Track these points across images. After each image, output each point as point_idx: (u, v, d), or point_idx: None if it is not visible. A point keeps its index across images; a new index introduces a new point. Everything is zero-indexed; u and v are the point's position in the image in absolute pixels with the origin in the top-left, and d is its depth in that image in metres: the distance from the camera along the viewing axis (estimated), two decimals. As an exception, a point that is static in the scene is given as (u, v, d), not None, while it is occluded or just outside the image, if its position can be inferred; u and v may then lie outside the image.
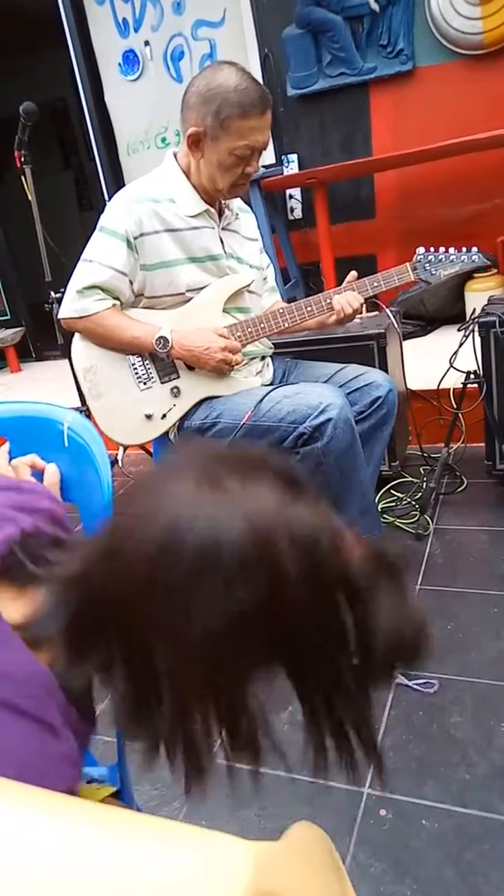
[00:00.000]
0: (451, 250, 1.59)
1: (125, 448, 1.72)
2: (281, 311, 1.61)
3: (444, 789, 1.13)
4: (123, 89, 3.85)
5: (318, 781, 1.19)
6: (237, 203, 1.72)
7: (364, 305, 1.62)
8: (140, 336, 1.56)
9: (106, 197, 4.02)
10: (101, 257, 1.53)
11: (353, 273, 1.62)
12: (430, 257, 1.59)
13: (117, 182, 4.02)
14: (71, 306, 1.57)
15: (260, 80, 1.50)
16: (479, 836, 1.04)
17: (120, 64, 3.80)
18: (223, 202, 1.65)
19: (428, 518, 1.97)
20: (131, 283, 1.56)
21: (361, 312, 1.62)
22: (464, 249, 1.59)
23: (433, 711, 1.30)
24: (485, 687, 1.34)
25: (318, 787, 1.19)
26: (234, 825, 1.16)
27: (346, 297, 1.58)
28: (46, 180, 3.10)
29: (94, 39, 3.81)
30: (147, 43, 3.70)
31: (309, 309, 1.61)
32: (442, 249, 1.59)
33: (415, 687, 1.36)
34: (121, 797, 0.80)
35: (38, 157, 2.53)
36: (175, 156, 1.61)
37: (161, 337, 1.54)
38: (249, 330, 1.61)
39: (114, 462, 1.93)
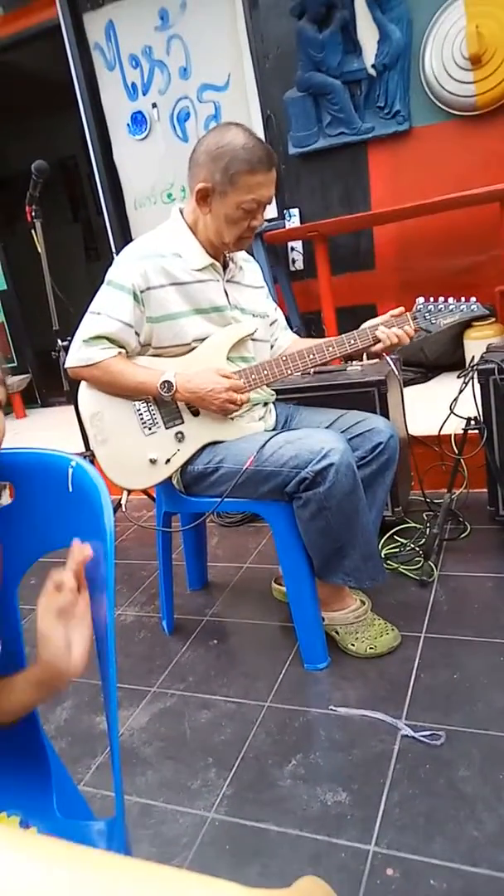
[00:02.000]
0: (451, 300, 1.63)
1: (129, 492, 1.72)
2: (284, 358, 1.64)
3: (453, 847, 1.10)
4: (131, 148, 4.01)
5: (322, 838, 1.15)
6: (241, 255, 1.77)
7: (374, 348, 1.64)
8: (145, 381, 1.58)
9: (113, 248, 4.13)
10: (108, 310, 1.57)
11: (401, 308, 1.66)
12: (429, 307, 1.63)
13: (124, 235, 4.14)
14: (77, 355, 1.60)
15: (262, 139, 1.57)
16: (490, 898, 1.00)
17: (128, 124, 3.97)
18: (227, 256, 1.70)
19: (432, 564, 1.95)
20: (137, 334, 1.60)
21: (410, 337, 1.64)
22: (462, 299, 1.63)
23: (440, 765, 1.27)
24: (493, 739, 1.31)
25: (322, 844, 1.15)
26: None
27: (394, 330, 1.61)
28: (56, 232, 3.21)
29: (104, 102, 4.00)
30: (154, 105, 3.87)
31: (331, 350, 1.63)
32: (441, 299, 1.63)
33: (421, 739, 1.33)
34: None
35: (49, 210, 2.62)
36: (181, 212, 1.67)
37: (165, 381, 1.57)
38: (254, 377, 1.63)
39: (117, 506, 1.94)
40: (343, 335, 1.64)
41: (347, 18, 3.26)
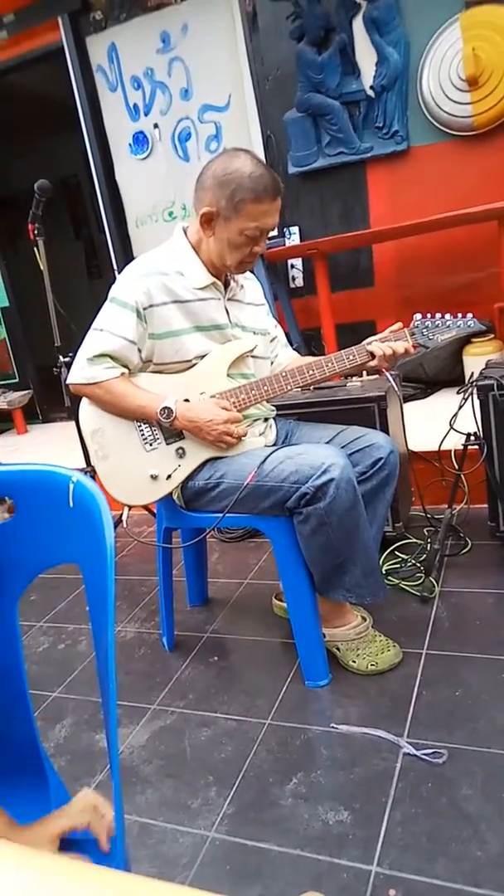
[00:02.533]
0: (447, 316, 1.64)
1: (129, 508, 1.72)
2: (284, 374, 1.65)
3: (456, 867, 1.08)
4: (133, 167, 4.06)
5: (324, 858, 1.14)
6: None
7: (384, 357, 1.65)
8: (145, 405, 1.59)
9: (115, 266, 4.17)
10: (111, 327, 1.59)
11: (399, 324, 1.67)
12: (426, 323, 1.64)
13: (126, 252, 4.18)
14: (80, 373, 1.61)
15: (262, 158, 1.59)
16: (493, 920, 0.99)
17: (130, 144, 4.02)
18: (229, 274, 1.71)
19: (433, 580, 1.95)
20: (140, 351, 1.61)
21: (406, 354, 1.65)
22: (459, 315, 1.64)
23: (442, 783, 1.26)
24: (495, 757, 1.29)
25: (324, 864, 1.14)
26: (236, 907, 1.10)
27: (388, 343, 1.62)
28: (58, 250, 3.24)
29: (107, 122, 4.05)
30: (156, 125, 3.93)
31: (330, 366, 1.65)
32: (438, 315, 1.64)
33: (423, 757, 1.32)
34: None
35: (51, 227, 2.65)
36: (185, 231, 1.69)
37: (165, 407, 1.58)
38: (254, 393, 1.64)
39: (117, 522, 1.94)
40: (341, 351, 1.65)
41: (346, 41, 3.32)
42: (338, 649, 1.67)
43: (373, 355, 1.63)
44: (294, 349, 1.95)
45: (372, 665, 1.62)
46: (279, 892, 1.10)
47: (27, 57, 4.14)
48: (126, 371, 1.61)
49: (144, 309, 1.58)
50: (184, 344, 1.61)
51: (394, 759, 1.34)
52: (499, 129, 3.20)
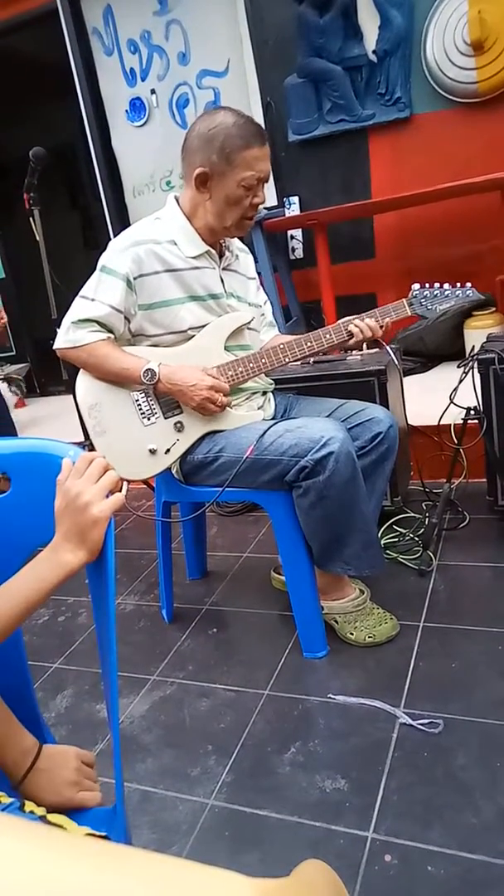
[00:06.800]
0: (446, 286, 1.63)
1: (128, 483, 1.72)
2: (281, 346, 1.63)
3: (451, 834, 1.11)
4: (130, 135, 3.98)
5: (321, 825, 1.16)
6: (237, 244, 1.76)
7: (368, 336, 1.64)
8: (129, 368, 1.58)
9: (111, 236, 4.09)
10: (99, 295, 1.57)
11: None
12: (425, 293, 1.63)
13: (123, 222, 4.11)
14: (65, 337, 1.60)
15: (262, 126, 1.56)
16: (486, 884, 1.01)
17: (127, 111, 3.93)
18: (224, 244, 1.69)
19: (431, 554, 1.96)
20: (127, 319, 1.59)
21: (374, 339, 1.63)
22: (458, 285, 1.63)
23: (438, 753, 1.28)
24: (491, 727, 1.31)
25: (321, 831, 1.16)
26: (235, 871, 1.13)
27: (367, 322, 1.62)
28: (54, 219, 3.17)
29: (103, 88, 3.95)
30: (153, 91, 3.83)
31: (309, 345, 1.63)
32: (437, 285, 1.63)
33: (419, 727, 1.34)
34: (118, 840, 0.79)
35: (47, 197, 2.60)
36: (177, 199, 1.66)
37: (149, 369, 1.56)
38: (251, 365, 1.63)
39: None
40: (319, 329, 1.64)
41: (348, 3, 3.22)
42: (336, 622, 1.69)
43: (352, 335, 1.62)
44: (293, 321, 1.93)
45: (369, 637, 1.63)
46: (277, 858, 1.13)
47: (19, 19, 4.01)
48: (111, 336, 1.60)
49: (135, 278, 1.56)
50: (178, 314, 1.60)
51: (390, 728, 1.36)
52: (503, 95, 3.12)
